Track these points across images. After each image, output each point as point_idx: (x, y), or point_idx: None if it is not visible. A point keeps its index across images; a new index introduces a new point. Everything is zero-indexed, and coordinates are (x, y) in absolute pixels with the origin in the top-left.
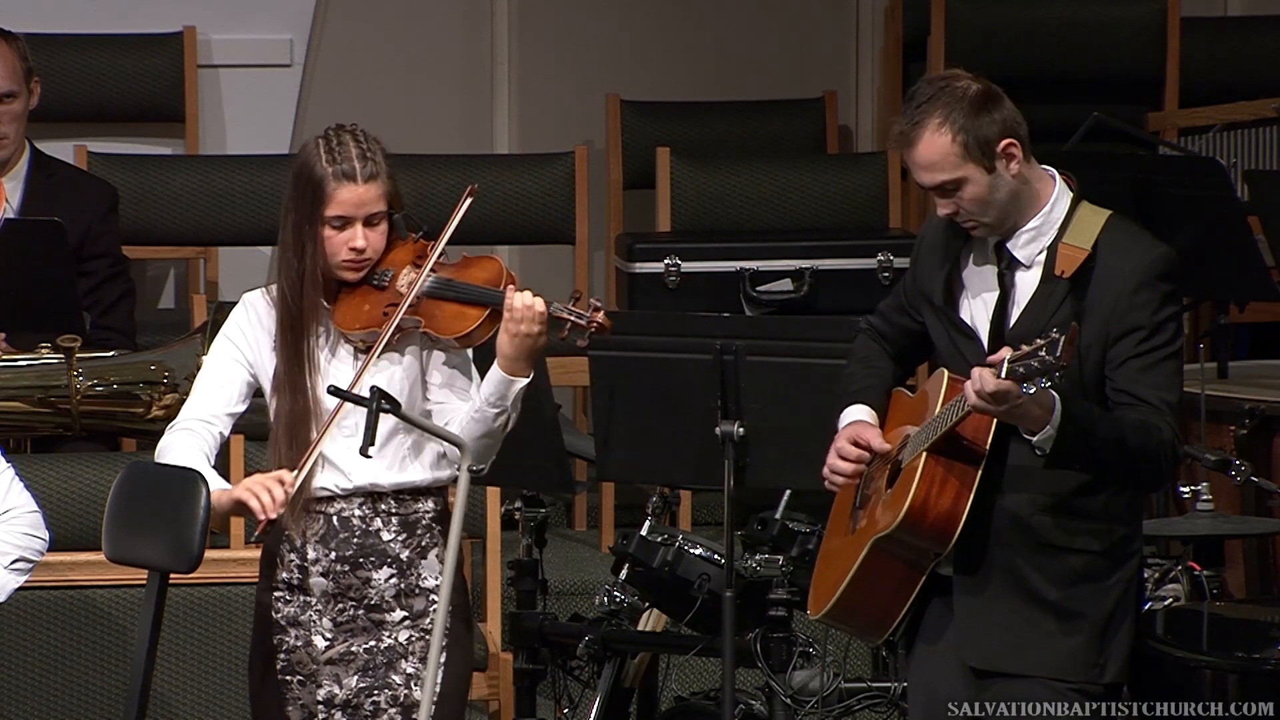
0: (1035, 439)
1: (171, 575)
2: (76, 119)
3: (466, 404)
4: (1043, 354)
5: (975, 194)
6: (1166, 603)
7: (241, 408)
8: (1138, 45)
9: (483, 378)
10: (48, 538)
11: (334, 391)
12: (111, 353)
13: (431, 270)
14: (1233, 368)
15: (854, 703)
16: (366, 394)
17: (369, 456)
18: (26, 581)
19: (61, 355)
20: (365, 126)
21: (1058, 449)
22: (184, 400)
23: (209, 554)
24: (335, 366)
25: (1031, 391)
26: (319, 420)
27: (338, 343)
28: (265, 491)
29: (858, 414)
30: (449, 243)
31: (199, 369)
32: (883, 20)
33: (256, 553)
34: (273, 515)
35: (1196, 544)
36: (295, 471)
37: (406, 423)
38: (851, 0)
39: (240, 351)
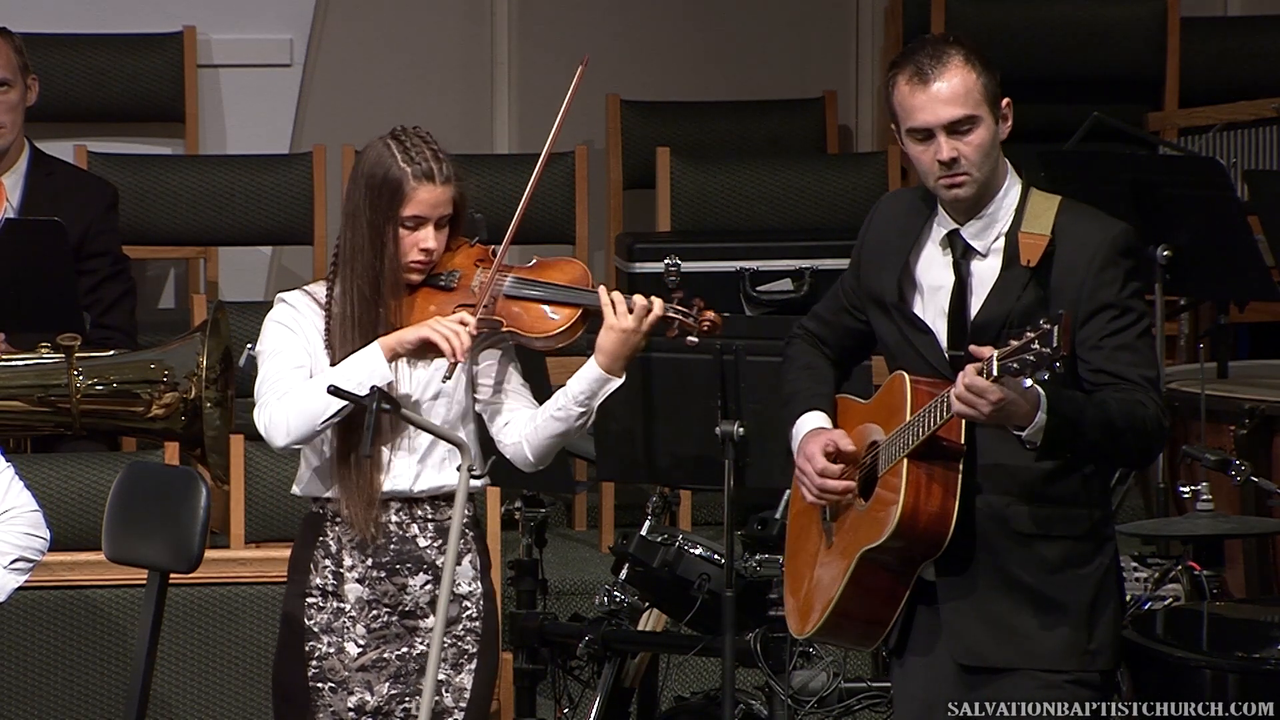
0: (1025, 433)
1: (171, 575)
2: (76, 119)
3: (523, 405)
4: (1036, 346)
5: (983, 139)
6: (1166, 603)
7: None
8: (1138, 45)
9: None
10: (48, 537)
11: (333, 391)
12: (111, 352)
13: (507, 271)
14: (1233, 368)
15: (854, 703)
16: (379, 391)
17: (369, 457)
18: (26, 581)
19: (61, 354)
20: (365, 126)
21: (1048, 440)
22: (184, 399)
23: (209, 554)
24: (395, 368)
25: (1028, 385)
26: (391, 421)
27: None
28: (454, 334)
29: (816, 421)
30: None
31: (199, 368)
32: (883, 20)
33: (256, 553)
34: (461, 359)
35: (1196, 544)
36: (474, 314)
37: (406, 422)
38: (851, 0)
39: (299, 339)
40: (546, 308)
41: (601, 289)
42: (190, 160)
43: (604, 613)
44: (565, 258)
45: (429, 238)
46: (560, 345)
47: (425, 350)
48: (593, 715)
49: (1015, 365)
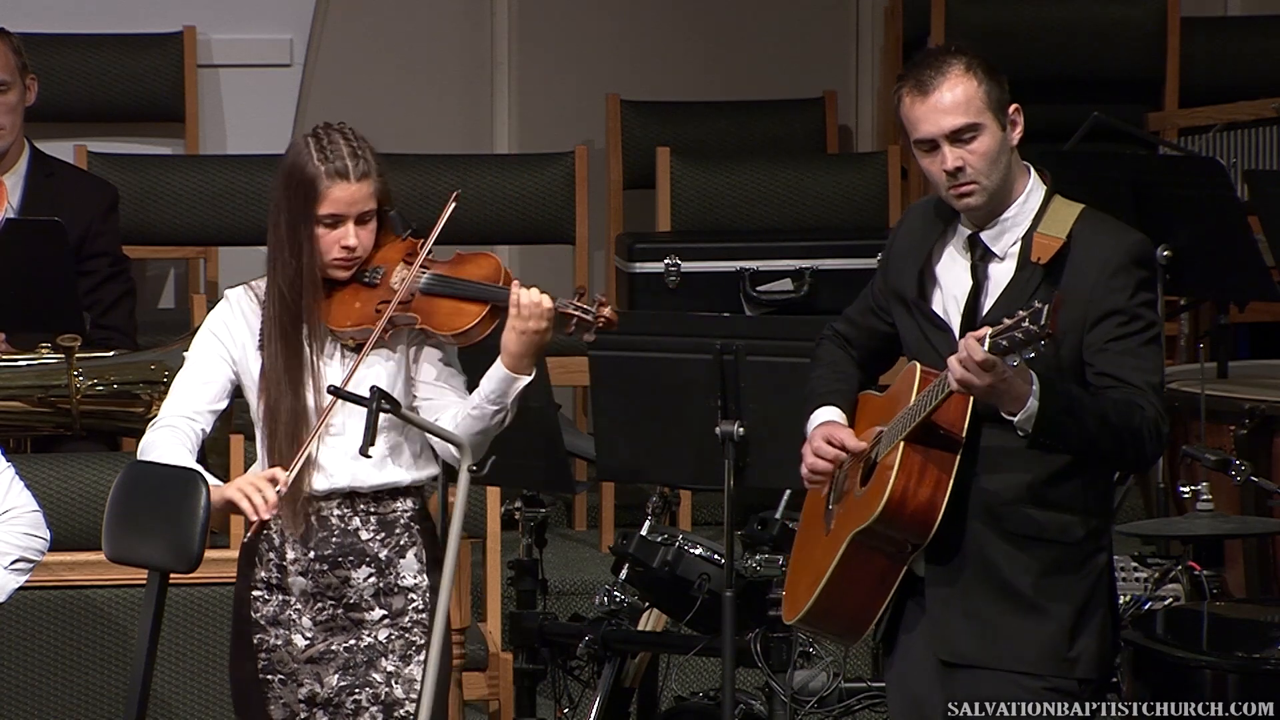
0: (1017, 418)
1: (171, 575)
2: (76, 119)
3: (456, 400)
4: (1026, 324)
5: (988, 147)
6: (1166, 603)
7: (223, 405)
8: (1138, 45)
9: (470, 375)
10: (48, 538)
11: (334, 391)
12: (111, 352)
13: (425, 267)
14: (1233, 368)
15: (854, 703)
16: (362, 392)
17: (369, 456)
18: (26, 581)
19: (61, 355)
20: (365, 126)
21: (1040, 426)
22: None
23: (209, 554)
24: (325, 364)
25: (1015, 364)
26: (313, 419)
27: (326, 341)
28: (256, 492)
29: (828, 415)
30: (442, 242)
31: None
32: (883, 20)
33: None
34: (264, 516)
35: (1196, 544)
36: (288, 470)
37: (407, 422)
38: (851, 0)
39: (225, 348)
40: (457, 304)
41: (514, 285)
42: (190, 160)
43: (604, 613)
44: (482, 252)
45: (349, 235)
46: (474, 341)
47: (229, 510)
48: (593, 715)
49: (1005, 342)
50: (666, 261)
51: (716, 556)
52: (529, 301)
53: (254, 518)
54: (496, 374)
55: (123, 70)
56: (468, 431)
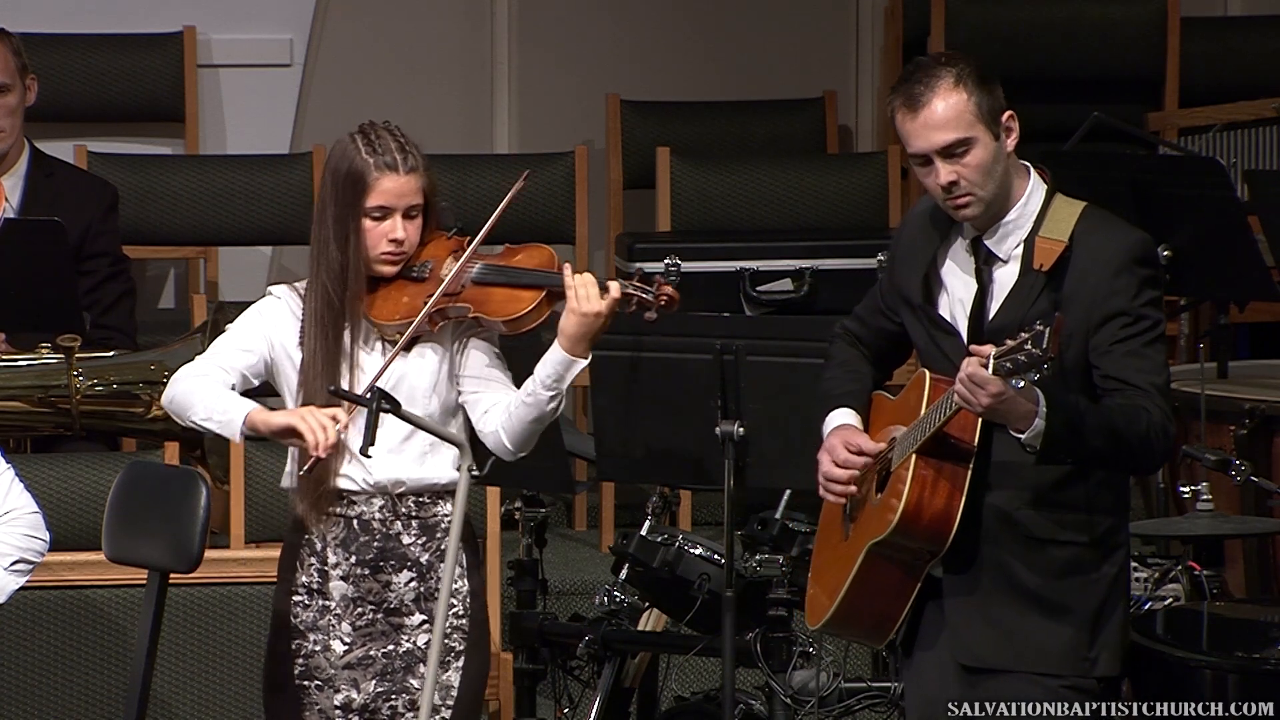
0: (1024, 436)
1: (171, 575)
2: (76, 119)
3: (503, 394)
4: (1028, 347)
5: (981, 159)
6: (1166, 603)
7: (255, 381)
8: (1138, 45)
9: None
10: (48, 539)
11: (334, 392)
12: (111, 352)
13: (479, 259)
14: (1233, 368)
15: (854, 703)
16: (379, 391)
17: (369, 456)
18: (27, 581)
19: (61, 355)
20: None
21: (1047, 444)
22: None
23: (209, 554)
24: (367, 358)
25: (1020, 386)
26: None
27: (370, 337)
28: (320, 428)
29: (843, 418)
30: (487, 240)
31: None
32: (883, 20)
33: (256, 553)
34: (322, 454)
35: (1196, 544)
36: (349, 414)
37: (407, 422)
38: (851, 0)
39: (268, 330)
40: (512, 291)
41: (566, 270)
42: (190, 160)
43: (604, 613)
44: (534, 243)
45: (397, 228)
46: (527, 328)
47: (288, 435)
48: (593, 715)
49: (1009, 365)
50: (666, 261)
51: (716, 556)
52: (584, 281)
53: (313, 452)
54: (554, 358)
55: (123, 70)
56: (522, 419)
